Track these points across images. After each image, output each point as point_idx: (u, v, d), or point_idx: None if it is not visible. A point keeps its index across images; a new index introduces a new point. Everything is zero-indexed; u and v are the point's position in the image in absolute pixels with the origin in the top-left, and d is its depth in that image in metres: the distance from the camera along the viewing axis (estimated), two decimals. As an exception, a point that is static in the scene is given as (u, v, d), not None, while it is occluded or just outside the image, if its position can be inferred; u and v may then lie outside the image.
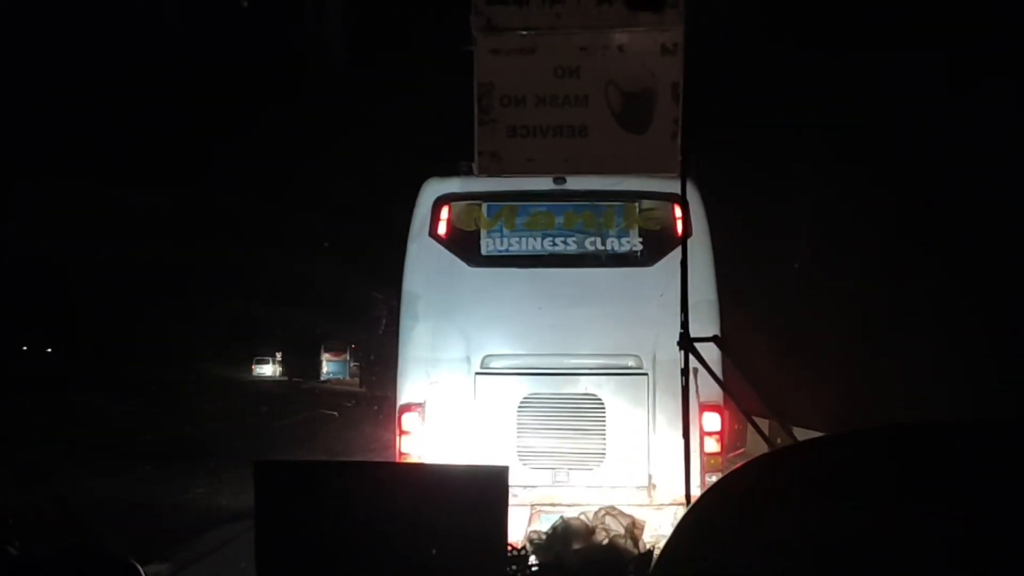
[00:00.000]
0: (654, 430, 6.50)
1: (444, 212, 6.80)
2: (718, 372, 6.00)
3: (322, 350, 47.27)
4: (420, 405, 6.62)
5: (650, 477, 6.37)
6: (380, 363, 26.33)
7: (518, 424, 6.50)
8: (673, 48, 4.95)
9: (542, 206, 6.74)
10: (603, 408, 6.54)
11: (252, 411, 20.91)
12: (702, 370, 5.89)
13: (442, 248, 6.79)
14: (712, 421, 6.52)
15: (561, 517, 2.27)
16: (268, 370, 50.63)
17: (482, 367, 6.68)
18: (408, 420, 6.67)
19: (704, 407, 6.38)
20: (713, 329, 6.30)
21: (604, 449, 6.47)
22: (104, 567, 1.64)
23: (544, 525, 2.41)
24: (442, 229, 6.81)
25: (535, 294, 6.74)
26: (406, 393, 6.70)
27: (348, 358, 46.02)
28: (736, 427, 7.16)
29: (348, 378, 44.24)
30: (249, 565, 2.14)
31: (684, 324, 4.27)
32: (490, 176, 5.14)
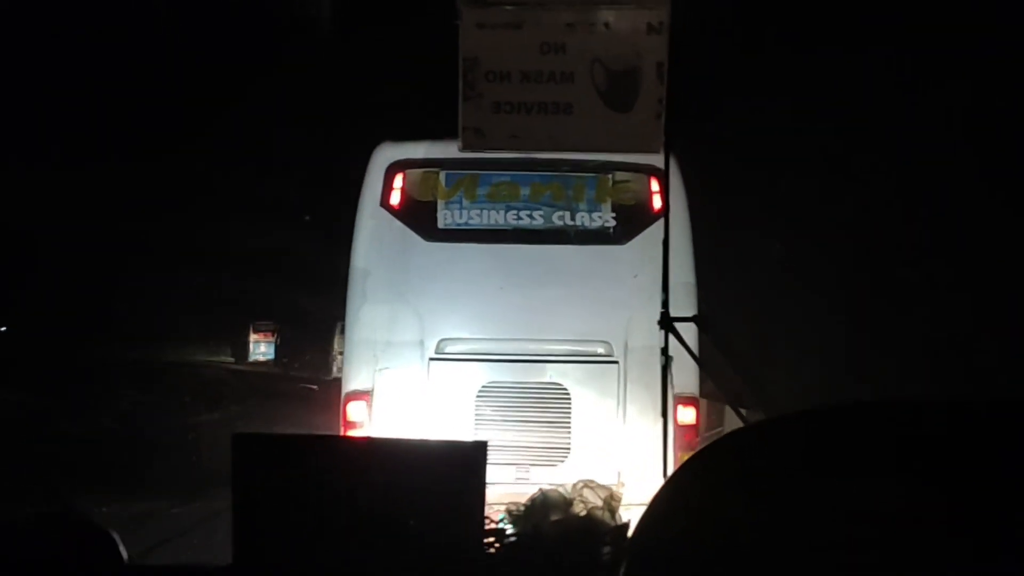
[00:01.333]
0: (624, 423, 6.11)
1: (398, 180, 6.33)
2: (690, 362, 5.76)
3: (250, 330, 42.63)
4: (368, 393, 6.17)
5: (619, 475, 5.74)
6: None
7: (476, 415, 6.09)
8: (659, 27, 4.95)
9: (506, 176, 6.29)
10: (569, 399, 6.13)
11: (172, 404, 16.40)
12: (677, 360, 5.63)
13: (395, 220, 6.32)
14: (687, 415, 6.15)
15: (540, 489, 2.30)
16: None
17: (437, 352, 6.24)
18: (354, 409, 6.22)
19: (679, 400, 6.03)
20: (690, 314, 5.89)
21: (569, 444, 6.07)
22: (80, 534, 1.65)
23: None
24: (395, 199, 6.33)
25: (496, 272, 6.29)
26: (353, 380, 6.24)
27: (276, 339, 40.47)
28: (715, 408, 6.96)
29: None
30: (224, 538, 2.15)
31: (665, 303, 4.28)
32: (474, 151, 5.13)
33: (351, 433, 6.08)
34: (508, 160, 6.13)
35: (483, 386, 6.11)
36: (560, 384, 6.14)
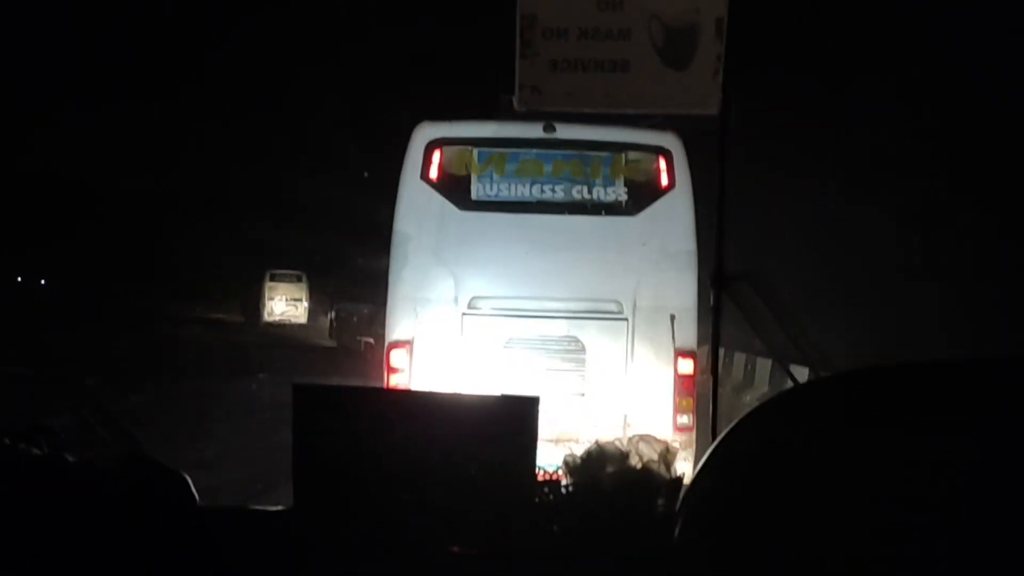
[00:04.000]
0: (631, 373, 6.85)
1: (436, 156, 6.99)
2: (694, 315, 6.90)
3: (267, 278, 32.25)
4: (408, 343, 6.86)
5: (625, 417, 6.63)
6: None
7: (502, 363, 6.75)
8: (718, -18, 4.88)
9: (531, 153, 7.03)
10: (584, 350, 6.86)
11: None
12: (679, 317, 6.78)
13: (433, 191, 6.98)
14: (686, 366, 6.88)
15: (596, 442, 2.34)
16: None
17: (469, 308, 6.89)
18: (396, 357, 6.89)
19: (679, 353, 6.83)
20: (691, 277, 6.92)
21: (583, 389, 6.80)
22: (158, 478, 1.73)
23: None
24: (433, 173, 6.99)
25: (522, 239, 6.94)
26: (395, 331, 6.92)
27: (306, 292, 32.16)
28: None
29: (306, 321, 31.54)
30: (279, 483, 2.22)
31: (717, 261, 4.26)
32: (530, 109, 5.12)
33: (393, 378, 6.84)
34: (534, 139, 6.89)
35: (509, 338, 6.85)
36: (576, 337, 6.88)
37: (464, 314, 6.93)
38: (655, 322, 6.90)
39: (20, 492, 1.47)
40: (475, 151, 7.05)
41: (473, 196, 7.06)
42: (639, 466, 2.20)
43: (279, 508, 2.30)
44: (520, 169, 7.06)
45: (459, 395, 2.47)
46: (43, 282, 39.71)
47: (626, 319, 6.94)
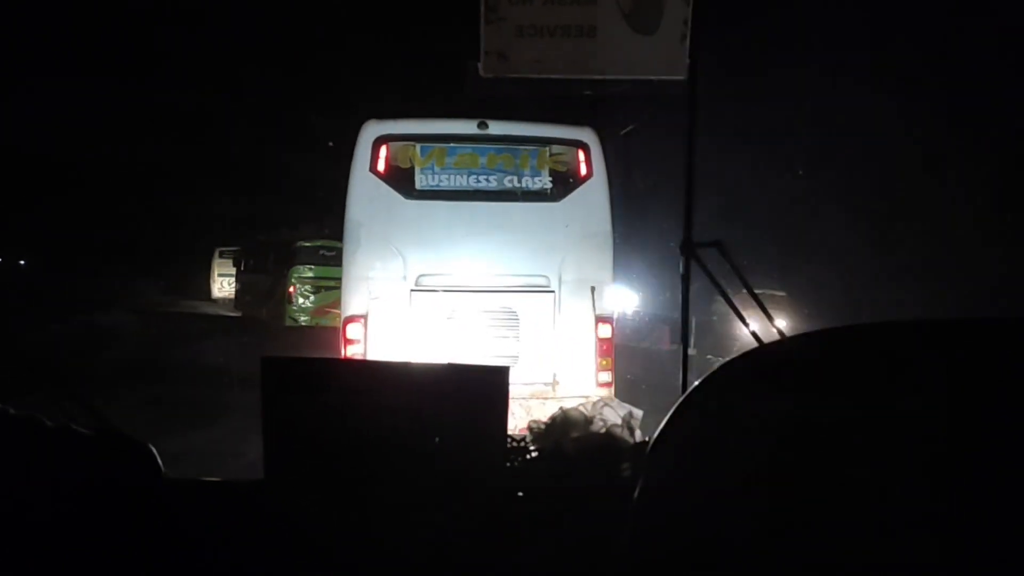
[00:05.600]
0: (558, 337, 7.79)
1: (383, 151, 7.82)
2: (611, 286, 8.01)
3: (215, 255, 31.18)
4: (363, 317, 7.67)
5: (554, 375, 7.61)
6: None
7: (447, 332, 7.59)
8: (684, -54, 4.83)
9: (468, 148, 7.93)
10: (517, 319, 7.78)
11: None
12: (599, 286, 7.82)
13: (381, 182, 7.82)
14: (605, 330, 7.90)
15: (560, 408, 2.36)
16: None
17: (416, 284, 7.74)
18: (352, 330, 7.70)
19: (599, 319, 7.84)
20: (608, 254, 8.00)
21: (518, 352, 7.68)
22: (126, 450, 1.72)
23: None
24: (381, 166, 7.82)
25: (462, 223, 7.79)
26: (351, 307, 7.75)
27: (240, 269, 28.42)
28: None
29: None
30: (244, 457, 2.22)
31: (686, 229, 4.28)
32: (496, 76, 5.08)
33: (349, 348, 7.60)
34: (470, 135, 7.83)
35: (452, 310, 7.68)
36: (510, 308, 7.79)
37: (412, 290, 7.75)
38: (577, 293, 7.89)
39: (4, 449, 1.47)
40: (418, 146, 7.90)
41: (417, 186, 7.90)
42: (603, 431, 2.22)
43: (249, 480, 2.29)
44: (458, 162, 7.96)
45: (429, 365, 2.47)
46: (22, 262, 39.26)
47: (553, 291, 7.87)
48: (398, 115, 8.16)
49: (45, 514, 1.45)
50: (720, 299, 3.31)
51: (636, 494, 1.42)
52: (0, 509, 1.41)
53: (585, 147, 8.06)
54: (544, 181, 8.09)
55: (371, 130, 7.91)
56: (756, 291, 3.34)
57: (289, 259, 21.18)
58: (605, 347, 7.93)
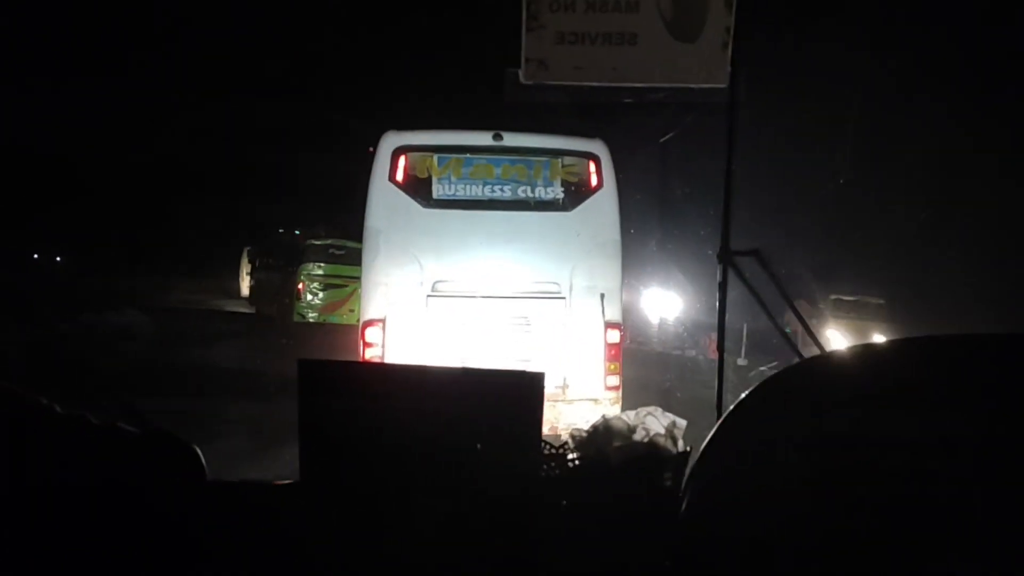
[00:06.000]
0: (568, 342, 7.99)
1: (401, 161, 8.09)
2: (619, 294, 8.22)
3: (244, 254, 30.52)
4: (381, 321, 7.90)
5: (564, 379, 7.73)
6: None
7: (461, 336, 7.82)
8: (727, -48, 4.80)
9: (483, 159, 8.19)
10: (529, 324, 8.03)
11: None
12: (608, 294, 8.05)
13: (399, 191, 8.09)
14: (613, 335, 8.17)
15: (603, 416, 2.34)
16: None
17: (432, 291, 7.98)
18: (371, 333, 7.95)
19: (608, 325, 8.10)
20: (616, 263, 8.25)
21: (530, 357, 7.84)
22: (172, 450, 1.73)
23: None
24: (400, 175, 8.09)
25: (477, 231, 8.07)
26: (370, 310, 8.01)
27: (252, 269, 28.76)
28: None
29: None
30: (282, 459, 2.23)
31: (724, 237, 4.25)
32: (537, 83, 5.09)
33: (368, 351, 7.87)
34: (485, 146, 8.10)
35: (467, 315, 7.91)
36: (523, 314, 8.03)
37: (428, 296, 7.97)
38: (587, 300, 8.13)
39: (50, 445, 1.48)
40: (435, 156, 8.14)
41: (434, 195, 8.15)
42: (645, 440, 2.20)
43: (287, 482, 2.30)
44: (474, 172, 8.19)
45: (465, 370, 2.46)
46: (58, 259, 40.33)
47: (563, 297, 8.12)
48: (418, 125, 8.46)
49: (93, 513, 1.46)
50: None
51: (683, 507, 1.40)
52: (49, 507, 1.42)
53: (596, 159, 8.31)
54: (556, 191, 8.32)
55: (390, 140, 8.18)
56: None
57: (298, 256, 21.45)
58: (613, 352, 8.19)
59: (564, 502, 2.18)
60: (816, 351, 2.26)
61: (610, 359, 8.13)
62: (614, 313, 8.21)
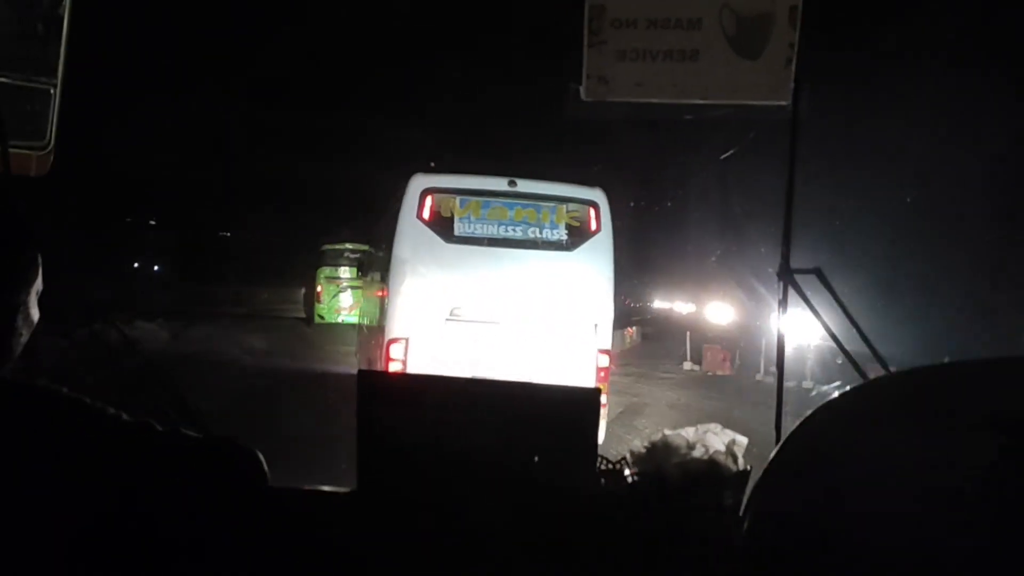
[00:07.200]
0: (565, 364, 9.04)
1: (428, 201, 9.17)
2: (611, 324, 9.28)
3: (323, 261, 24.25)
4: (405, 339, 8.99)
5: None
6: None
7: (473, 357, 8.79)
8: (792, -32, 4.74)
9: (500, 202, 9.29)
10: (531, 349, 9.03)
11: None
12: (602, 321, 9.19)
13: (425, 227, 9.17)
14: (604, 360, 9.32)
15: (662, 432, 2.33)
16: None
17: (450, 316, 9.07)
18: (395, 349, 9.00)
19: (599, 351, 9.25)
20: (610, 297, 9.33)
21: (530, 376, 8.49)
22: (235, 455, 1.76)
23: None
24: (426, 214, 9.17)
25: (491, 265, 9.13)
26: (394, 330, 9.06)
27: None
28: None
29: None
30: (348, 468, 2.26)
31: (784, 256, 4.20)
32: (597, 99, 5.08)
33: (391, 366, 8.83)
34: (501, 191, 9.24)
35: (478, 338, 8.99)
36: (526, 339, 9.03)
37: (446, 319, 9.03)
38: (583, 328, 9.24)
39: (112, 452, 1.52)
40: (457, 198, 9.18)
41: (456, 232, 9.20)
42: (706, 457, 2.18)
43: (345, 490, 2.33)
44: (491, 214, 9.22)
45: (523, 384, 2.47)
46: (156, 268, 42.98)
47: (562, 326, 9.20)
48: (443, 170, 9.62)
49: (159, 520, 1.49)
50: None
51: (744, 525, 1.39)
52: (116, 516, 1.46)
53: (596, 205, 9.45)
54: (561, 233, 9.40)
55: (418, 182, 9.21)
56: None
57: (316, 261, 22.14)
58: (603, 374, 9.26)
59: (619, 517, 2.17)
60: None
61: (601, 380, 9.17)
62: (605, 341, 9.36)
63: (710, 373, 23.26)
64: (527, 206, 9.31)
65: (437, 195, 9.18)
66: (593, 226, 9.41)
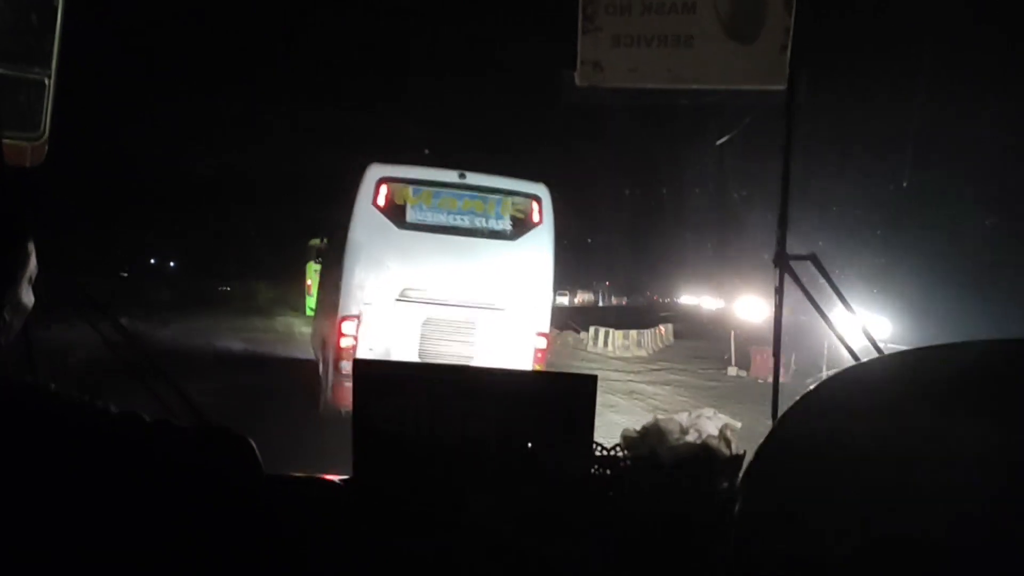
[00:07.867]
0: (505, 345, 9.67)
1: (383, 189, 9.77)
2: (549, 308, 10.00)
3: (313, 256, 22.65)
4: (356, 317, 9.53)
5: None
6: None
7: (421, 335, 9.63)
8: (787, -48, 4.71)
9: (450, 192, 9.93)
10: (475, 328, 9.78)
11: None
12: (538, 304, 10.00)
13: (379, 213, 9.74)
14: (541, 342, 10.05)
15: (655, 417, 2.34)
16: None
17: (400, 296, 9.67)
18: (347, 325, 9.55)
19: (537, 333, 10.02)
20: (548, 283, 10.08)
21: (473, 355, 9.64)
22: (227, 444, 1.75)
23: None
24: (380, 201, 9.75)
25: (440, 251, 9.74)
26: (348, 308, 9.60)
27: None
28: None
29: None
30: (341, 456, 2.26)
31: (780, 242, 4.19)
32: (592, 85, 5.06)
33: (343, 341, 9.48)
34: (451, 183, 9.91)
35: (426, 318, 9.66)
36: (470, 320, 9.75)
37: (396, 300, 9.63)
38: (522, 312, 9.92)
39: (101, 445, 1.51)
40: (411, 188, 9.86)
41: (407, 219, 9.84)
42: (699, 441, 2.18)
43: (340, 478, 2.33)
44: (441, 203, 9.89)
45: (517, 371, 2.48)
46: (171, 264, 44.25)
47: (503, 309, 9.85)
48: (399, 160, 10.12)
49: (154, 511, 1.49)
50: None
51: (736, 507, 1.40)
52: (107, 508, 1.45)
53: (538, 199, 10.18)
54: (505, 224, 10.07)
55: (375, 171, 9.83)
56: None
57: (305, 256, 22.62)
58: (540, 355, 10.03)
59: (611, 494, 2.17)
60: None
61: (538, 361, 9.94)
62: (543, 324, 10.11)
63: (760, 380, 20.59)
64: (475, 197, 9.98)
65: (392, 184, 9.80)
66: (536, 218, 10.11)
